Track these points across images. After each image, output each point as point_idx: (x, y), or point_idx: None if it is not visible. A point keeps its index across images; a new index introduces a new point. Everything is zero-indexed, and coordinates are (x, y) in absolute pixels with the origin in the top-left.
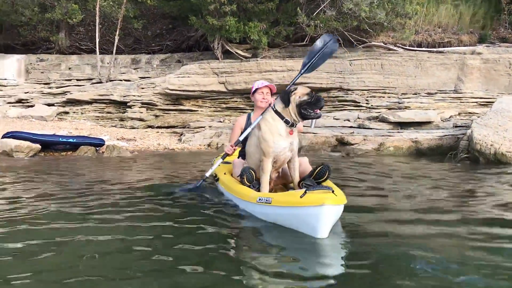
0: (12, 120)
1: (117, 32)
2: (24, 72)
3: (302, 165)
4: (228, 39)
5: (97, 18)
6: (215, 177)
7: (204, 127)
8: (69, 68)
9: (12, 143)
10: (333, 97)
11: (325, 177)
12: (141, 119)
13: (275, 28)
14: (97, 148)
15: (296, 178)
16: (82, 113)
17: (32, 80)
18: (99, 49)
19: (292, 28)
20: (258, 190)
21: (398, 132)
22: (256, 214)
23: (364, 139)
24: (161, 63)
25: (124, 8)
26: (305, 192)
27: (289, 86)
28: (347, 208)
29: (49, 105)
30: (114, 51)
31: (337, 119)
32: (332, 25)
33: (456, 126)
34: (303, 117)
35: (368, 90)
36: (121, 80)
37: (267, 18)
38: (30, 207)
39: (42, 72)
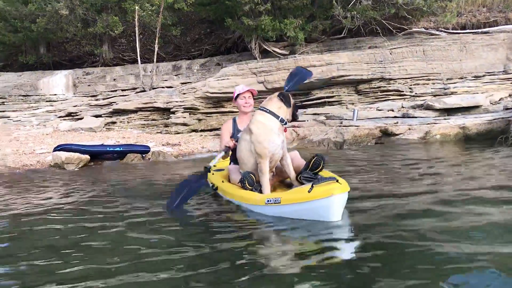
0: (63, 133)
1: (157, 41)
2: (72, 86)
3: (295, 160)
4: (265, 38)
5: (136, 28)
6: (212, 186)
7: None
8: (114, 79)
9: (63, 155)
10: (375, 87)
11: (320, 167)
12: (184, 124)
13: (311, 23)
14: (143, 155)
15: (293, 173)
16: (128, 122)
17: (80, 93)
18: (141, 58)
19: (328, 22)
20: (260, 192)
21: (445, 119)
22: (266, 213)
23: (409, 129)
24: (201, 68)
25: (161, 17)
26: (312, 186)
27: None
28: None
29: (97, 116)
30: (155, 59)
31: (380, 110)
32: (369, 15)
33: (507, 109)
34: (293, 117)
35: (411, 78)
36: (163, 87)
37: (302, 14)
38: (75, 214)
39: (89, 85)
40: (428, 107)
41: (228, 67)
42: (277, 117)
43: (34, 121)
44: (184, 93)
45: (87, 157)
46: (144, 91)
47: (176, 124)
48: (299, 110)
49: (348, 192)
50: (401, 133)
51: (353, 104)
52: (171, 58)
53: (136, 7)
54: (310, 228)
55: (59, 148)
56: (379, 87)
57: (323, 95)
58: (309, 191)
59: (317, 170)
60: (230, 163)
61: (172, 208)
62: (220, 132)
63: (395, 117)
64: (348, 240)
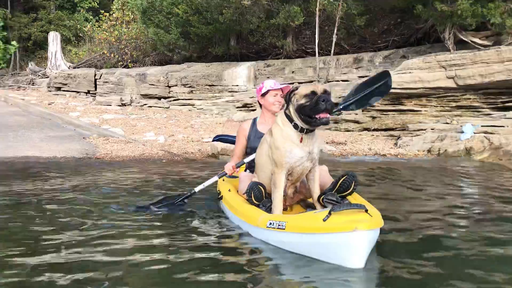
0: (235, 124)
1: (335, 31)
2: (253, 78)
3: (321, 177)
4: (462, 27)
5: (316, 18)
6: (218, 195)
7: (425, 129)
8: (292, 72)
9: (219, 146)
10: None
11: (350, 190)
12: (356, 121)
13: None
14: None
15: (316, 192)
16: None
17: (258, 85)
18: (323, 50)
19: None
20: (270, 210)
21: None
22: (267, 241)
23: None
24: (384, 60)
25: (342, 5)
26: (330, 213)
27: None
28: None
29: None
30: (332, 52)
31: None
32: None
33: None
34: (307, 123)
35: None
36: (338, 81)
37: None
38: None
39: (268, 77)
40: None
41: (412, 59)
42: (291, 121)
43: (214, 110)
44: None
45: None
46: None
47: (347, 121)
48: (322, 110)
49: (379, 229)
50: None
51: None
52: (355, 50)
53: None
54: (317, 271)
55: (217, 138)
56: None
57: None
58: (324, 220)
59: (345, 193)
60: (245, 170)
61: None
62: (236, 135)
63: None
64: None
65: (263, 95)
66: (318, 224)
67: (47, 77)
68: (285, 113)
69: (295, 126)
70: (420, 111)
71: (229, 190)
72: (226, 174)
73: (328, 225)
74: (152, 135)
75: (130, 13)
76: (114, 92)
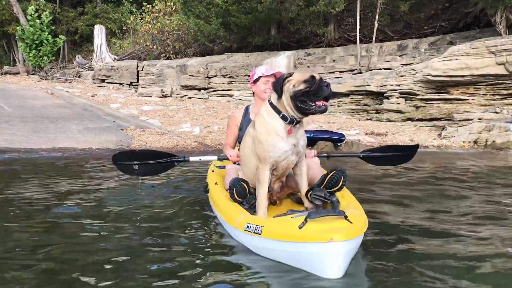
0: None
1: (377, 17)
2: (293, 67)
3: (312, 170)
4: None
5: (357, 4)
6: (206, 188)
7: (471, 119)
8: (333, 60)
9: None
10: None
11: (339, 185)
12: (398, 111)
13: None
14: (338, 144)
15: (304, 187)
16: (338, 106)
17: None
18: (366, 38)
19: None
20: (254, 207)
21: None
22: (244, 244)
23: None
24: (429, 47)
25: None
26: (306, 219)
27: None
28: None
29: None
30: (374, 39)
31: None
32: None
33: None
34: (302, 112)
35: None
36: (380, 69)
37: None
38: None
39: (308, 66)
40: None
41: (459, 45)
42: (278, 112)
43: (253, 101)
44: (401, 76)
45: None
46: (360, 73)
47: (389, 110)
48: (325, 96)
49: (362, 236)
50: None
51: None
52: (400, 37)
53: None
54: (295, 277)
55: None
56: None
57: None
58: (300, 227)
59: (333, 189)
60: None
61: (117, 162)
62: (227, 124)
63: None
64: None
65: (255, 81)
66: (294, 232)
67: (93, 70)
68: (270, 103)
69: (284, 118)
70: (467, 100)
71: (216, 184)
72: (228, 158)
73: (303, 233)
74: (188, 126)
75: (172, 4)
76: (156, 83)
